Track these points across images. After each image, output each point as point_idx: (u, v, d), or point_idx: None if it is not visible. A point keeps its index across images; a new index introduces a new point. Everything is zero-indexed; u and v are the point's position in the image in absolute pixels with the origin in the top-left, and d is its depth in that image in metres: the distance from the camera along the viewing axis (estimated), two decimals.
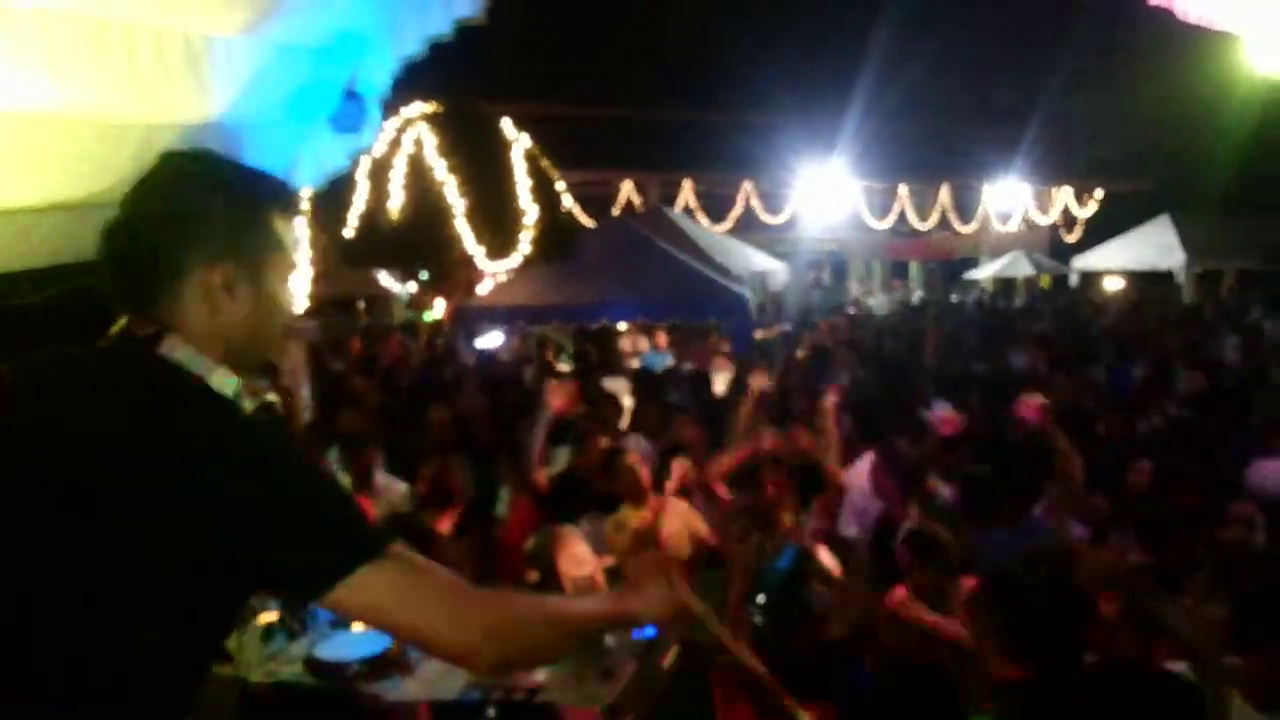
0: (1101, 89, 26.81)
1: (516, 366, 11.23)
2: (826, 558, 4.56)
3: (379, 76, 6.05)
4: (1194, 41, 4.70)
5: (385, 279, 15.79)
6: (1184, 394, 8.48)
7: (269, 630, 2.45)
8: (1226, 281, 25.14)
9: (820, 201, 24.98)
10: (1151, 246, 23.31)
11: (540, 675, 2.00)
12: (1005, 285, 28.64)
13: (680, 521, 5.31)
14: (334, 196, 12.03)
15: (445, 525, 5.13)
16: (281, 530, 1.35)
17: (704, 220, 22.30)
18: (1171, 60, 18.26)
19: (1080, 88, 26.16)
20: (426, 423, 7.15)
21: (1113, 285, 25.08)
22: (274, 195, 1.56)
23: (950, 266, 31.90)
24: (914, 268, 32.58)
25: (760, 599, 4.64)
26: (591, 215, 21.33)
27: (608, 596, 1.78)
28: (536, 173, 13.20)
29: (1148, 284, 24.41)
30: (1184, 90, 21.30)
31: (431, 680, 2.07)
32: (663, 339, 14.58)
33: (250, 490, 1.33)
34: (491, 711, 1.92)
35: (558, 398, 5.34)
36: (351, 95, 6.01)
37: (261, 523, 1.34)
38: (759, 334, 14.51)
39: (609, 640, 2.13)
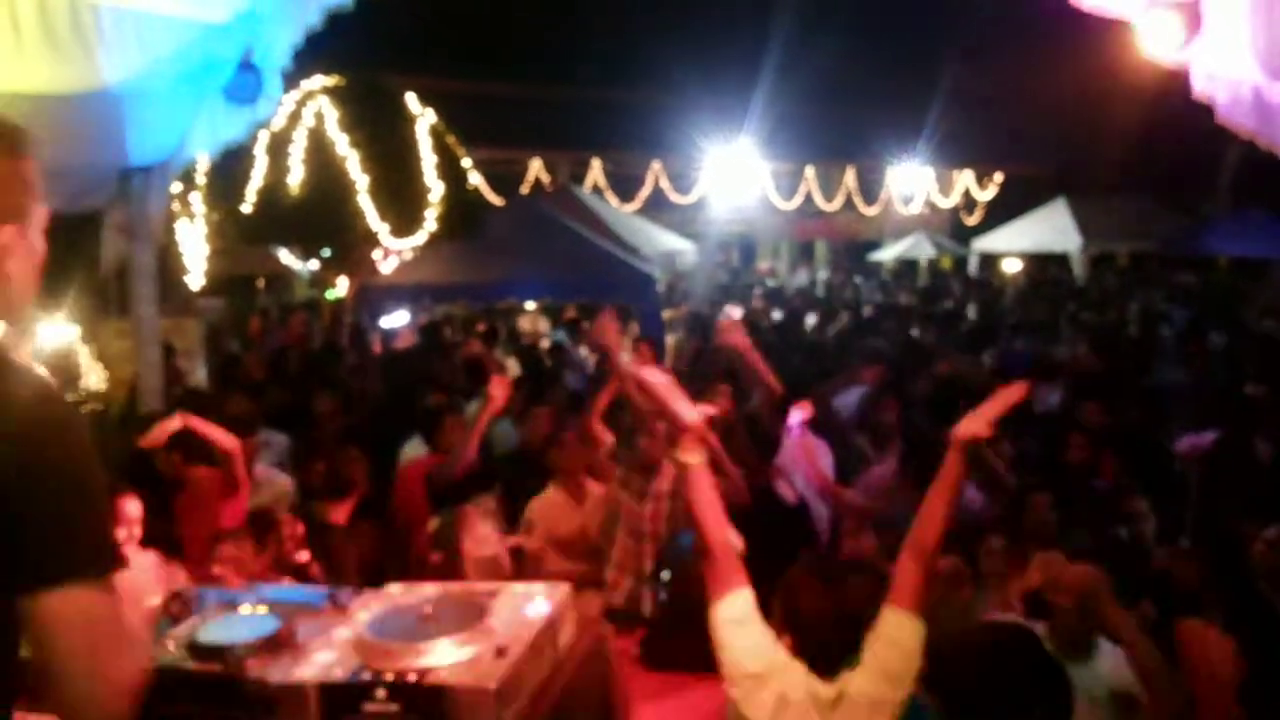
0: (1000, 74, 27.41)
1: (424, 351, 10.99)
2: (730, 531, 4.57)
3: (278, 48, 5.86)
4: (1088, 28, 4.77)
5: (286, 256, 15.37)
6: (1075, 370, 8.76)
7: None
8: (1120, 263, 26.00)
9: (729, 183, 25.10)
10: (1048, 229, 23.98)
11: (433, 656, 1.93)
12: (908, 266, 29.20)
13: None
14: (231, 171, 11.63)
15: (340, 515, 5.02)
16: (24, 513, 1.29)
17: (613, 200, 22.24)
18: (1067, 46, 18.72)
19: (979, 73, 26.71)
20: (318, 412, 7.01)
21: (1011, 267, 25.73)
22: (23, 142, 1.46)
23: (856, 247, 32.40)
24: (820, 248, 33.01)
25: (665, 575, 4.66)
26: (499, 193, 21.06)
27: None
28: (442, 149, 12.92)
29: (1044, 265, 25.13)
30: (1079, 76, 21.88)
31: (323, 662, 1.99)
32: (571, 316, 14.54)
33: (16, 465, 1.29)
34: (382, 693, 1.86)
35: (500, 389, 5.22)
36: (247, 66, 5.81)
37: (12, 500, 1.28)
38: (667, 314, 14.54)
39: (502, 617, 2.07)
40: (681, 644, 3.95)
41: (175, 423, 4.75)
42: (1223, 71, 4.92)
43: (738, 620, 2.44)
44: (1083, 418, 6.41)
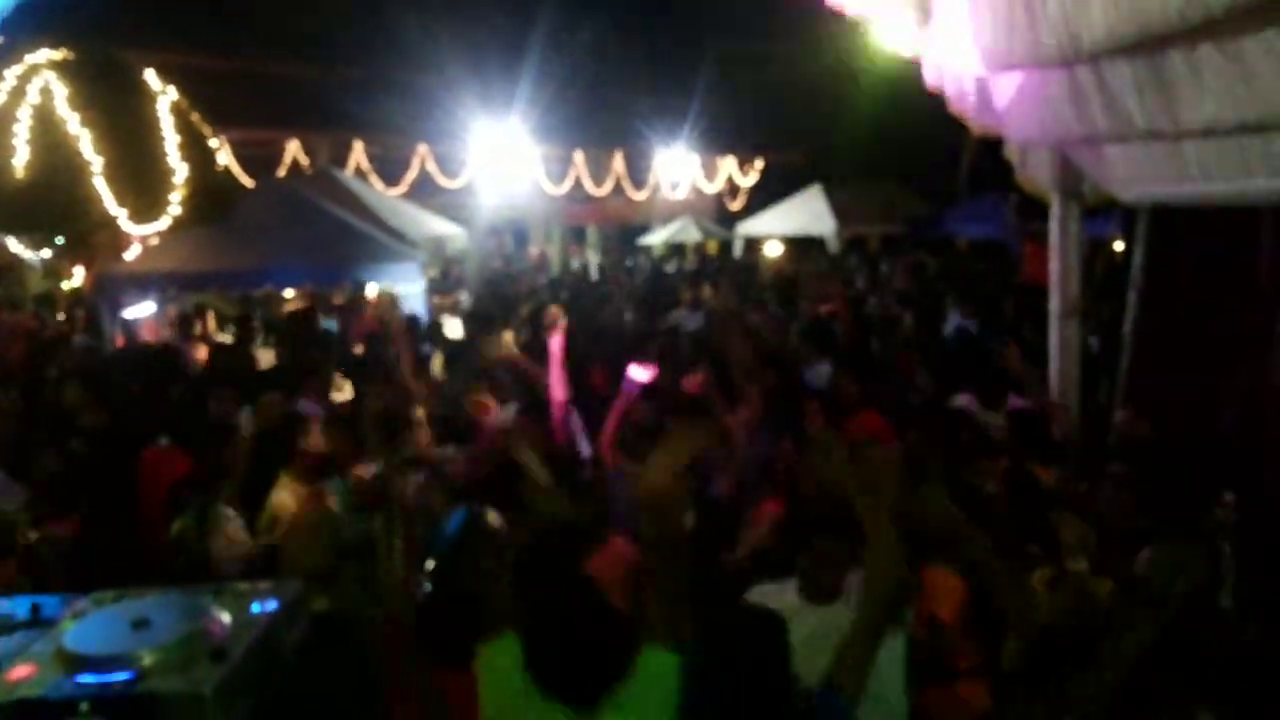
0: (757, 64, 28.45)
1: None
2: (495, 519, 4.47)
3: None
4: (835, 19, 4.95)
5: (14, 245, 14.07)
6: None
7: None
8: (871, 245, 27.51)
9: (498, 167, 24.85)
10: (805, 214, 25.14)
11: (142, 664, 1.76)
12: (676, 250, 29.87)
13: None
14: None
15: (67, 529, 4.58)
16: None
17: (378, 184, 21.55)
18: (817, 36, 19.57)
19: (738, 62, 27.62)
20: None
21: (773, 250, 26.75)
22: None
23: (626, 231, 32.84)
24: (591, 232, 33.27)
25: (429, 565, 4.52)
26: (254, 176, 20.02)
27: None
28: (186, 128, 12.15)
29: (803, 249, 26.26)
30: (830, 65, 22.94)
31: (19, 678, 1.77)
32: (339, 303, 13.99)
33: None
34: (84, 706, 1.67)
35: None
36: None
37: None
38: (436, 300, 14.23)
39: (221, 620, 1.92)
40: (446, 634, 3.86)
41: None
42: (950, 64, 5.24)
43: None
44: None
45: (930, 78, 5.83)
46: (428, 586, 4.37)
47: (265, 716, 1.81)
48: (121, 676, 1.70)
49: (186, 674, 1.70)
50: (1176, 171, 4.58)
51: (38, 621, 1.97)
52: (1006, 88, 5.17)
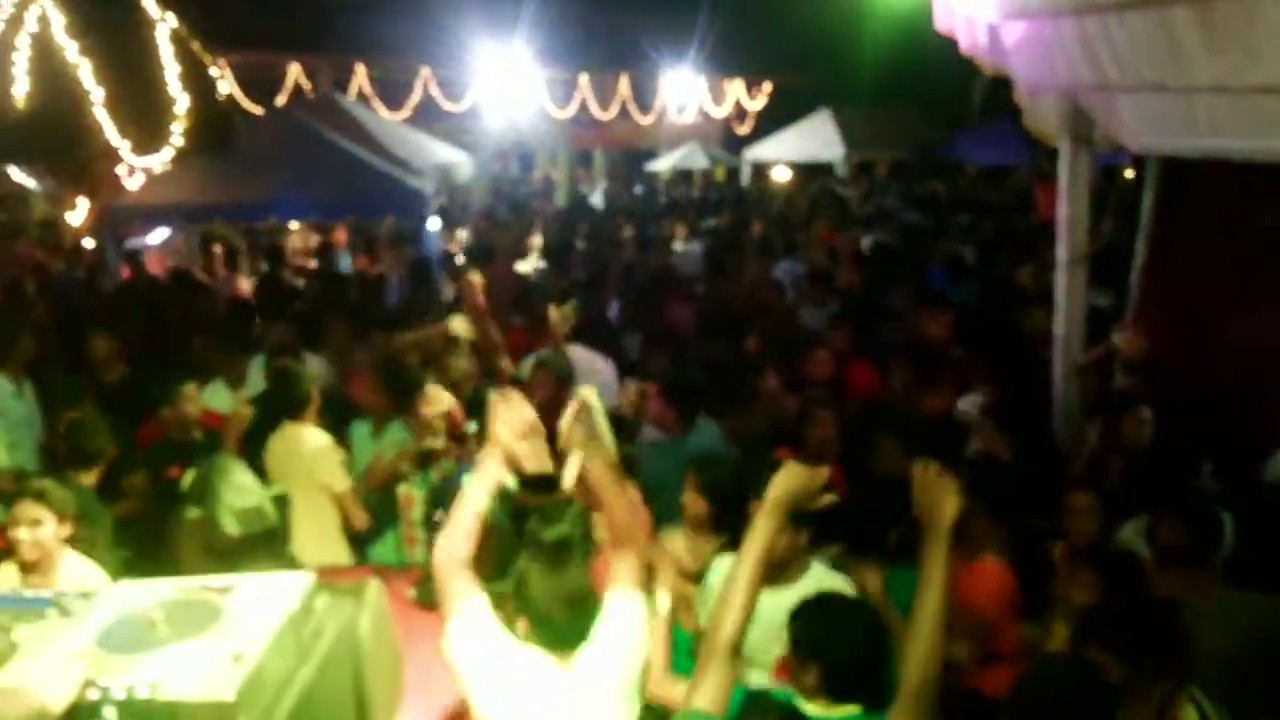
0: None
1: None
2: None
3: None
4: None
5: (17, 175, 14.00)
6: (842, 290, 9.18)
7: None
8: (880, 170, 27.26)
9: (503, 91, 24.54)
10: (814, 139, 24.88)
11: (163, 667, 1.81)
12: (683, 176, 29.61)
13: None
14: None
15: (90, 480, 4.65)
16: None
17: (381, 109, 21.31)
18: None
19: None
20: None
21: (780, 176, 26.52)
22: None
23: (633, 156, 32.52)
24: (598, 157, 32.95)
25: (439, 515, 4.60)
26: (256, 101, 19.80)
27: None
28: (187, 56, 11.99)
29: (811, 174, 26.03)
30: None
31: (45, 679, 1.83)
32: (342, 237, 13.94)
33: None
34: (110, 711, 1.73)
35: None
36: None
37: None
38: (450, 247, 13.99)
39: (240, 618, 1.97)
40: None
41: None
42: (962, 8, 5.17)
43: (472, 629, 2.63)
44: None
45: (941, 21, 5.75)
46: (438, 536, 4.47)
47: (287, 714, 1.87)
48: (144, 679, 1.75)
49: (207, 679, 1.75)
50: (1187, 125, 4.53)
51: (63, 614, 2.02)
52: (1017, 32, 5.10)
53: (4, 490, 4.29)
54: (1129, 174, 10.10)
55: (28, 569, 3.74)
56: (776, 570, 3.14)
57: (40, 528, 3.74)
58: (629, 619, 2.70)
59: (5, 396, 5.91)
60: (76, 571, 3.87)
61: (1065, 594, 3.51)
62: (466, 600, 2.68)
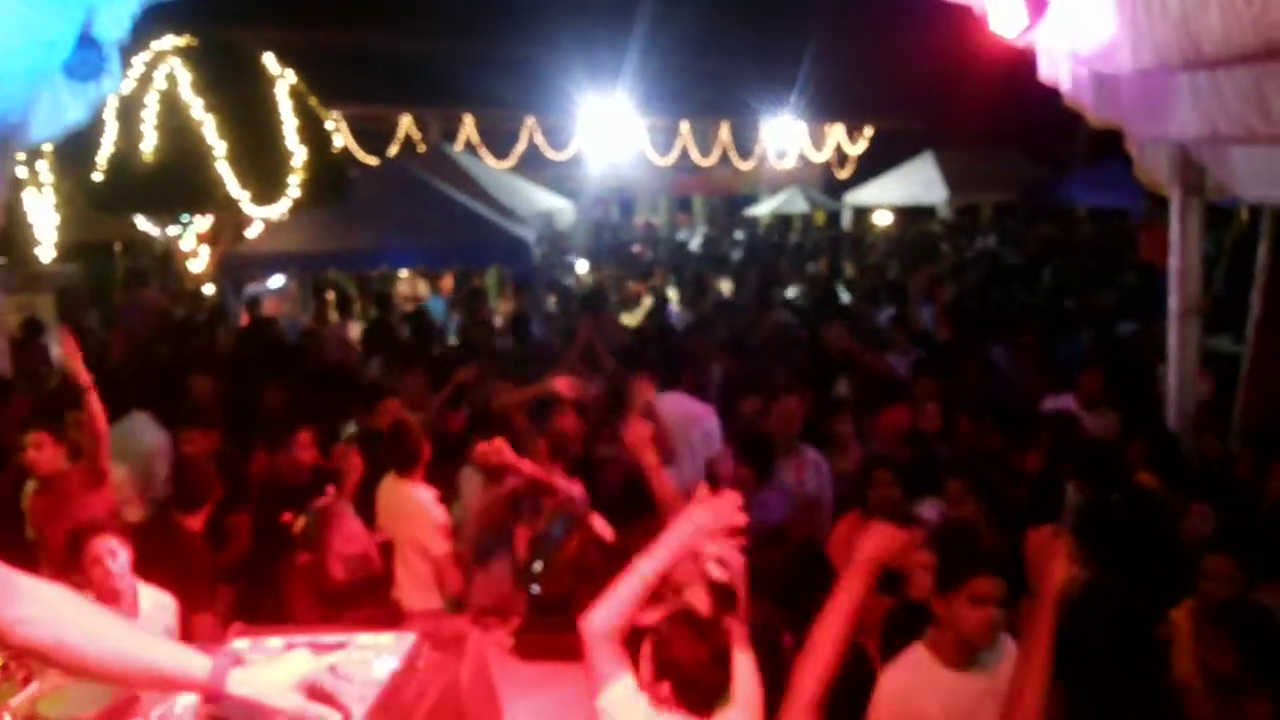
0: (868, 28, 27.76)
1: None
2: (600, 524, 4.58)
3: (118, 19, 5.54)
4: None
5: (143, 224, 14.74)
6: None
7: None
8: (985, 213, 26.83)
9: (605, 138, 24.95)
10: (916, 182, 24.65)
11: None
12: (783, 221, 29.58)
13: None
14: (80, 138, 11.08)
15: (198, 523, 4.80)
16: None
17: (487, 157, 21.88)
18: (929, 7, 19.02)
19: (848, 27, 26.99)
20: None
21: (882, 219, 26.31)
22: None
23: (732, 202, 32.64)
24: (698, 203, 33.15)
25: (537, 566, 4.67)
26: (369, 151, 20.52)
27: None
28: (304, 111, 12.51)
29: (913, 217, 25.76)
30: (943, 29, 22.28)
31: None
32: (448, 284, 14.31)
33: None
34: None
35: None
36: (88, 41, 5.49)
37: None
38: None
39: (348, 679, 2.03)
40: (553, 634, 4.00)
41: None
42: (1065, 57, 5.10)
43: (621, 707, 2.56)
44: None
45: (1045, 70, 5.68)
46: (535, 588, 4.54)
47: None
48: None
49: None
50: None
51: None
52: (1126, 85, 5.01)
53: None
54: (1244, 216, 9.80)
55: (109, 598, 3.75)
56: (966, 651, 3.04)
57: (118, 559, 3.79)
58: (751, 677, 2.70)
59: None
60: (151, 600, 3.94)
61: (1201, 655, 3.39)
62: (616, 679, 2.59)
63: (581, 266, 15.29)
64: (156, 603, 3.93)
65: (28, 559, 4.46)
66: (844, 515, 4.98)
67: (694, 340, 9.06)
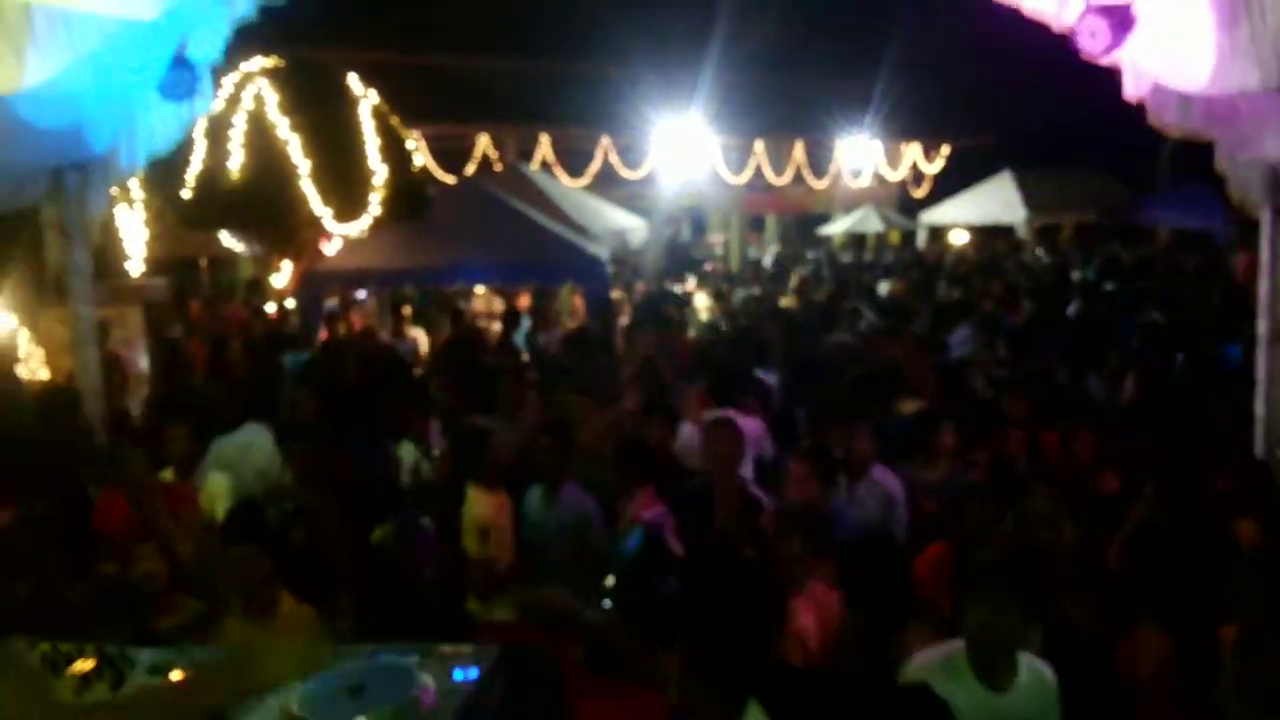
0: (945, 46, 27.53)
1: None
2: (674, 541, 4.59)
3: (211, 42, 5.74)
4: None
5: (228, 240, 15.15)
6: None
7: (85, 679, 2.24)
8: (1065, 233, 26.37)
9: (678, 157, 25.05)
10: (994, 201, 24.32)
11: None
12: (856, 239, 29.38)
13: None
14: (170, 156, 11.41)
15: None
16: None
17: (562, 176, 22.10)
18: (1010, 17, 18.80)
19: (925, 45, 26.79)
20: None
21: (958, 239, 25.99)
22: None
23: (805, 221, 32.50)
24: (770, 222, 33.08)
25: (609, 582, 4.69)
26: (447, 169, 20.86)
27: None
28: (386, 131, 12.77)
29: (989, 237, 25.41)
30: (1022, 47, 21.99)
31: None
32: (525, 301, 14.45)
33: None
34: None
35: None
36: (181, 62, 5.69)
37: None
38: (616, 294, 14.46)
39: (429, 688, 2.06)
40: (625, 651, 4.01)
41: None
42: (1154, 75, 5.01)
43: None
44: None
45: (1130, 89, 5.58)
46: (607, 603, 4.55)
47: None
48: None
49: None
50: None
51: None
52: (1218, 105, 4.91)
53: None
54: None
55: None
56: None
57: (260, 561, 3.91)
58: None
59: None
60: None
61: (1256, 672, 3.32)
62: None
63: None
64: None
65: None
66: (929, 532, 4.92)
67: (746, 352, 9.01)
